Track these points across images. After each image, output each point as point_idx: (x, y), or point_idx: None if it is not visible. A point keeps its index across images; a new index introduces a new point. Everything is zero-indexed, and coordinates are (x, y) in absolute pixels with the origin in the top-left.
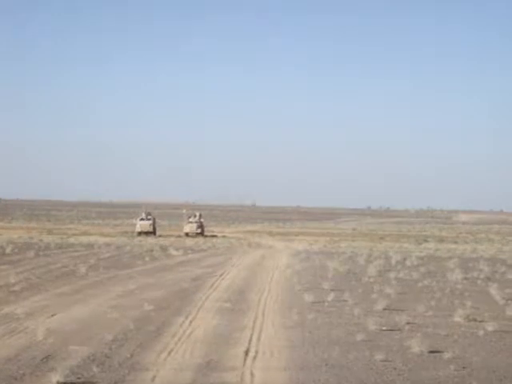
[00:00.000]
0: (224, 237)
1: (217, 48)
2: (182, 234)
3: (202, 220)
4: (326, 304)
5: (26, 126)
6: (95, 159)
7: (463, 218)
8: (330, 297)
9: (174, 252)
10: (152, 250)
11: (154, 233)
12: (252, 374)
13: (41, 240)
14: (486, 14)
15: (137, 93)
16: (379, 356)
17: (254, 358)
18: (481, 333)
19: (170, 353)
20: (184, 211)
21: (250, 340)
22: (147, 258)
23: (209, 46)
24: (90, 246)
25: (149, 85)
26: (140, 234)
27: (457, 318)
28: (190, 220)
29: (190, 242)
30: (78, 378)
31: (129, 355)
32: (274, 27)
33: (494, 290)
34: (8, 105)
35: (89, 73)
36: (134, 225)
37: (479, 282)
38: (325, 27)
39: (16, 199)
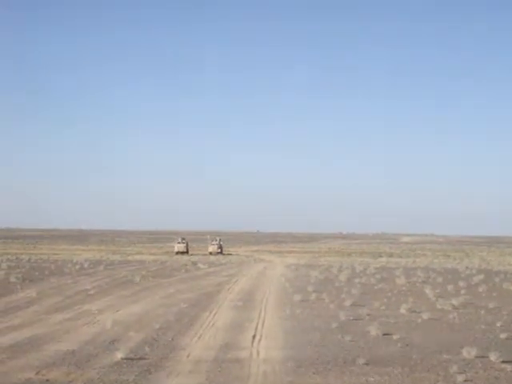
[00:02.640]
0: (237, 254)
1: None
2: (207, 252)
3: (221, 243)
4: (310, 302)
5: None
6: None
7: (405, 239)
8: (313, 296)
9: (201, 266)
10: (186, 265)
11: (187, 252)
12: (258, 352)
13: (107, 258)
14: None
15: None
16: (348, 338)
17: (259, 340)
18: (419, 320)
19: (199, 337)
20: (208, 237)
21: (256, 328)
22: (182, 270)
23: None
24: (142, 262)
25: None
26: (177, 253)
27: (402, 311)
28: (213, 243)
29: (212, 258)
30: (135, 355)
31: (170, 339)
32: None
33: (428, 290)
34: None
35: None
36: (173, 247)
37: (417, 284)
38: None
39: (94, 229)
